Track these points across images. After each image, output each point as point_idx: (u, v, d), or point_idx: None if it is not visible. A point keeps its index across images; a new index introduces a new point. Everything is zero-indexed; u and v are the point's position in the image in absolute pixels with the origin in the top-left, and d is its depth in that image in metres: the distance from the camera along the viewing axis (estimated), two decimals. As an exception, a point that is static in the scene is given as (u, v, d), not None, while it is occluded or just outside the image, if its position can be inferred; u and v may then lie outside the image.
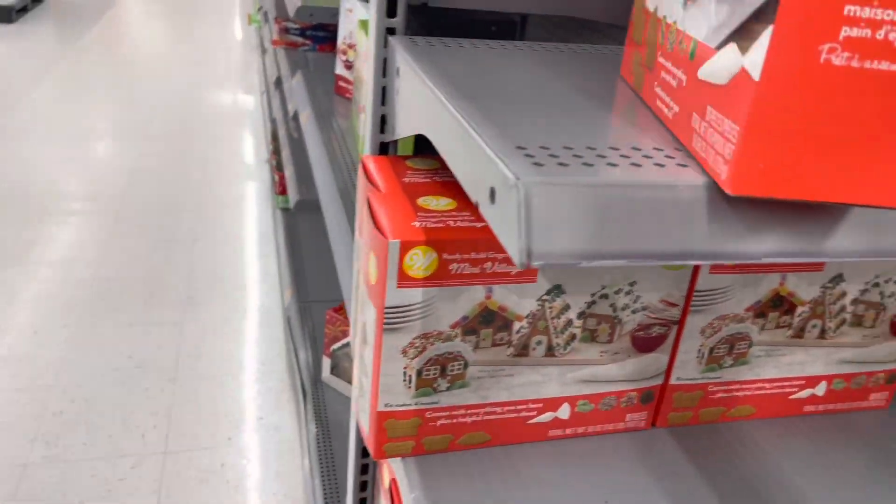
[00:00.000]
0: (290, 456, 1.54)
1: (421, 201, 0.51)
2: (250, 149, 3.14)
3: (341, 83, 1.39)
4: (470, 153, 0.36)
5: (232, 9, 5.77)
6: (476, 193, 0.35)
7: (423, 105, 0.47)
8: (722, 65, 0.31)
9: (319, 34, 2.12)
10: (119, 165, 2.85)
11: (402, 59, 0.53)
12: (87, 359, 1.77)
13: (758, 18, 0.28)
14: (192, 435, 1.56)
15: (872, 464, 0.60)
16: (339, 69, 1.38)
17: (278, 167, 2.37)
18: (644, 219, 0.31)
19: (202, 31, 4.99)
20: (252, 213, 2.57)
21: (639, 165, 0.33)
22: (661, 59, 0.38)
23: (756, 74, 0.28)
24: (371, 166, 0.57)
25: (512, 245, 0.30)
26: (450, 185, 0.55)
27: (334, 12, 1.61)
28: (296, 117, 1.76)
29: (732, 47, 0.30)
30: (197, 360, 1.81)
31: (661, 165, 0.33)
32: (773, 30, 0.27)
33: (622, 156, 0.34)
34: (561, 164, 0.32)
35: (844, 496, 0.56)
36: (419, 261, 0.47)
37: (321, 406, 1.45)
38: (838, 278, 0.58)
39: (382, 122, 0.60)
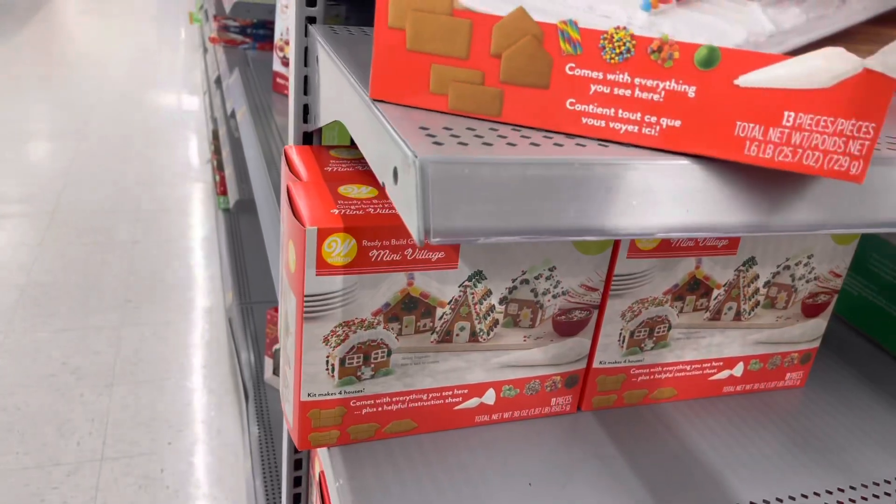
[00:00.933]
0: (233, 459, 1.52)
1: (342, 189, 0.51)
2: (193, 149, 3.09)
3: (279, 80, 1.38)
4: (376, 136, 0.36)
5: (175, 7, 5.65)
6: (382, 175, 0.35)
7: (339, 92, 0.47)
8: (822, 67, 0.32)
9: (259, 32, 2.10)
10: (54, 167, 2.76)
11: (321, 47, 0.52)
12: (19, 366, 1.71)
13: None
14: (131, 441, 1.52)
15: (788, 441, 0.62)
16: (277, 66, 1.36)
17: (219, 167, 2.33)
18: (541, 195, 0.32)
19: (143, 30, 4.87)
20: (195, 214, 2.52)
21: (537, 145, 0.33)
22: (578, 72, 0.35)
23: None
24: (294, 156, 0.57)
25: (412, 223, 0.31)
26: (372, 174, 0.55)
27: (271, 9, 1.59)
28: (234, 115, 1.73)
29: (835, 51, 0.32)
30: (135, 364, 1.76)
31: (560, 145, 0.34)
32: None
33: (523, 136, 0.34)
34: (461, 143, 0.32)
35: (762, 473, 0.58)
36: (338, 248, 0.47)
37: (263, 407, 1.43)
38: (751, 261, 0.60)
39: (305, 112, 0.60)
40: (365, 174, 0.55)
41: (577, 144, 0.34)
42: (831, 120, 0.34)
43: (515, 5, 0.33)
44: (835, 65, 0.33)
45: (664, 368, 0.63)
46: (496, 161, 0.31)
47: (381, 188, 0.52)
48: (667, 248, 0.56)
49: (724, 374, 0.65)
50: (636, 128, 0.35)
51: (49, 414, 1.57)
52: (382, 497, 0.51)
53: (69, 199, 2.53)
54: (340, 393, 0.53)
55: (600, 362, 0.60)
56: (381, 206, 0.50)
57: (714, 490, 0.56)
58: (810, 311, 0.64)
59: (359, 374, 0.52)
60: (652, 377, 0.63)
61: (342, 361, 0.52)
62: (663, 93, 0.34)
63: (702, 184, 0.34)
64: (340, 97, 0.47)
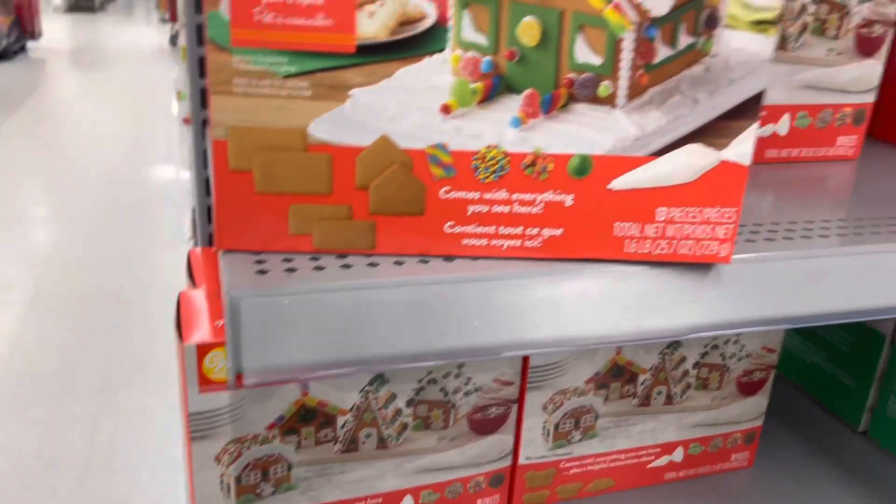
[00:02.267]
0: (205, 551, 1.46)
1: (235, 297, 0.50)
2: (182, 227, 3.09)
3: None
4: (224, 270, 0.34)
5: (165, 85, 5.77)
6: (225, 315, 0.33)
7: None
8: (686, 164, 0.32)
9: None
10: (37, 252, 2.77)
11: (212, 152, 0.52)
12: (-12, 463, 1.67)
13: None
14: (99, 537, 1.47)
15: (737, 528, 0.59)
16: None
17: (198, 245, 2.32)
18: (372, 321, 0.30)
19: (134, 109, 4.96)
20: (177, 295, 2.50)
21: (375, 265, 0.32)
22: (453, 195, 0.33)
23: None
24: (195, 260, 0.55)
25: (227, 363, 0.29)
26: (270, 277, 0.53)
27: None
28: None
29: (695, 147, 0.32)
30: (111, 455, 1.72)
31: (400, 263, 0.32)
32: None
33: (371, 264, 0.33)
34: (289, 269, 0.31)
35: (700, 569, 0.55)
36: (220, 362, 0.45)
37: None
38: (675, 344, 0.57)
39: (208, 213, 0.58)
40: (263, 277, 0.53)
41: (420, 262, 0.32)
42: (699, 210, 0.33)
43: (377, 134, 0.31)
44: (696, 160, 0.32)
45: (597, 459, 0.59)
46: (321, 288, 0.29)
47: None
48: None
49: (664, 460, 0.62)
50: (519, 242, 0.33)
51: (17, 513, 1.52)
52: None
53: (51, 285, 2.52)
54: (240, 512, 0.50)
55: (526, 458, 0.57)
56: (271, 313, 0.48)
57: None
58: (747, 389, 0.62)
59: (258, 491, 0.50)
60: (585, 469, 0.59)
61: (238, 479, 0.49)
62: (542, 204, 0.33)
63: (548, 296, 0.33)
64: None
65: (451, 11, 0.30)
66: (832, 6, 0.51)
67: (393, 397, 0.51)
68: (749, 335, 0.59)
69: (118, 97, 5.30)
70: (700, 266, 0.34)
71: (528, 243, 0.33)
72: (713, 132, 0.32)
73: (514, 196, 0.32)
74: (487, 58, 0.31)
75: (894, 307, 0.39)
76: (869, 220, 0.42)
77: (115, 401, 1.92)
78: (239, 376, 0.28)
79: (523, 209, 0.33)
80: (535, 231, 0.33)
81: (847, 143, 0.56)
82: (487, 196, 0.32)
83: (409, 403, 0.51)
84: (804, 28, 0.51)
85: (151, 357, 2.12)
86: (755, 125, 0.32)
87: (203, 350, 0.45)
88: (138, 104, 5.17)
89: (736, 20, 0.31)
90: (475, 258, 0.33)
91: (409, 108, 0.31)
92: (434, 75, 0.31)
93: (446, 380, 0.52)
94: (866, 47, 0.53)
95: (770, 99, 0.52)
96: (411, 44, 0.30)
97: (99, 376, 2.01)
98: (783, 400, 0.77)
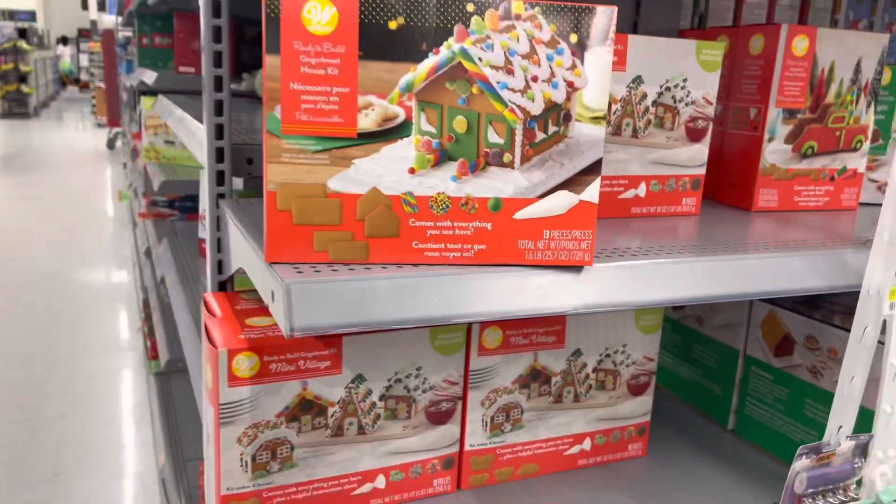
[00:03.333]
0: None
1: (248, 321, 0.66)
2: (123, 321, 3.15)
3: (204, 245, 1.54)
4: (262, 274, 0.52)
5: (103, 187, 5.85)
6: (266, 297, 0.51)
7: (240, 248, 0.63)
8: (560, 203, 0.52)
9: (187, 204, 2.29)
10: (-20, 349, 2.78)
11: (229, 217, 0.69)
12: (-58, 550, 1.67)
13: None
14: None
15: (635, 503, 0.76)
16: (202, 233, 1.53)
17: (150, 333, 2.42)
18: (369, 299, 0.48)
19: (72, 210, 5.02)
20: (126, 383, 2.56)
21: (369, 268, 0.50)
22: (417, 224, 0.51)
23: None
24: (211, 301, 0.72)
25: (282, 324, 0.46)
26: (273, 309, 0.70)
27: (196, 183, 1.78)
28: (163, 281, 1.87)
29: (565, 192, 0.52)
30: (65, 535, 1.75)
31: (385, 267, 0.51)
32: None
33: (381, 267, 0.51)
34: (316, 271, 0.49)
35: (605, 522, 0.72)
36: (244, 363, 0.62)
37: (197, 559, 1.46)
38: (578, 352, 0.77)
39: (220, 266, 0.75)
40: (267, 309, 0.70)
41: (412, 266, 0.51)
42: (569, 231, 0.53)
43: (369, 187, 0.51)
44: (565, 201, 0.52)
45: (524, 447, 0.77)
46: (336, 280, 0.48)
47: (279, 318, 0.68)
48: (507, 346, 0.73)
49: (576, 448, 0.80)
50: (459, 253, 0.52)
51: None
52: (292, 569, 0.61)
53: (-4, 379, 2.53)
54: (254, 485, 0.65)
55: (470, 445, 0.74)
56: (278, 330, 0.65)
57: (567, 539, 0.69)
58: (635, 390, 0.81)
59: (268, 468, 0.65)
60: (515, 455, 0.77)
61: (253, 458, 0.64)
62: (473, 229, 0.52)
63: (477, 284, 0.51)
64: (243, 253, 0.63)
65: (413, 113, 0.50)
66: (666, 108, 0.74)
67: (369, 392, 0.68)
68: (632, 347, 0.79)
69: (52, 200, 5.35)
70: (573, 267, 0.54)
71: (465, 254, 0.52)
72: (574, 183, 0.53)
73: (455, 224, 0.52)
74: (436, 140, 0.51)
75: (707, 297, 0.59)
76: (695, 246, 0.63)
77: (67, 487, 1.95)
78: (292, 332, 0.45)
79: (461, 232, 0.52)
80: (469, 246, 0.52)
81: (690, 202, 0.78)
82: (439, 224, 0.52)
83: (381, 398, 0.68)
84: (649, 123, 0.74)
85: (103, 445, 2.17)
86: (598, 178, 0.53)
87: (232, 354, 0.61)
88: (73, 206, 5.23)
89: (581, 116, 0.52)
90: (432, 264, 0.52)
91: (389, 170, 0.50)
92: (404, 151, 0.50)
93: (408, 379, 0.69)
94: (694, 135, 0.77)
95: (630, 171, 0.74)
96: (390, 132, 0.50)
97: (50, 464, 2.05)
98: (669, 408, 0.96)
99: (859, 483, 0.67)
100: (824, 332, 0.79)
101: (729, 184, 0.85)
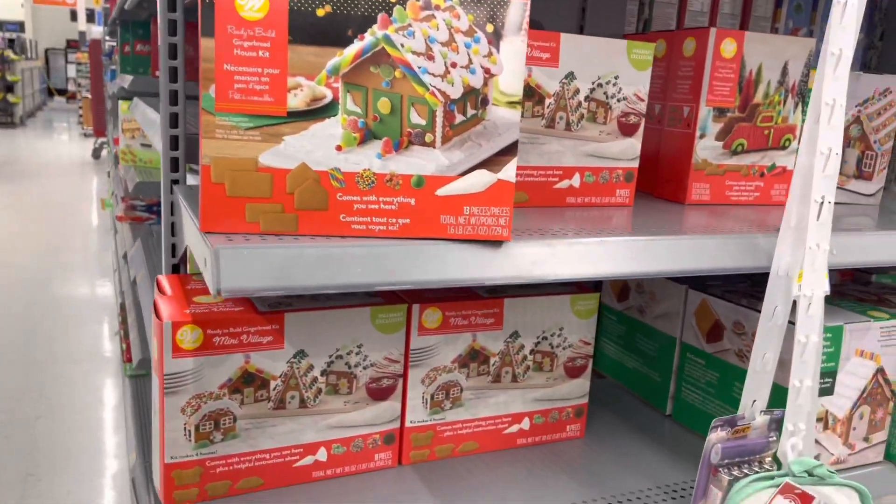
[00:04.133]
0: None
1: (196, 299, 0.70)
2: (103, 328, 3.16)
3: (175, 245, 1.57)
4: (199, 245, 0.56)
5: (87, 195, 5.86)
6: (201, 265, 0.54)
7: (187, 227, 0.67)
8: (478, 181, 0.56)
9: (164, 209, 2.31)
10: (-44, 352, 2.78)
11: (181, 201, 0.73)
12: None
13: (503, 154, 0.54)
14: None
15: (572, 482, 0.80)
16: (173, 233, 1.56)
17: (125, 336, 2.43)
18: (292, 266, 0.52)
19: (54, 220, 5.02)
20: (103, 388, 2.57)
21: (298, 239, 0.54)
22: (345, 198, 0.55)
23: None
24: (163, 281, 0.75)
25: (210, 285, 0.50)
26: (221, 288, 0.74)
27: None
28: (135, 282, 1.89)
29: (483, 171, 0.56)
30: (34, 533, 1.76)
31: (313, 238, 0.54)
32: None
33: (309, 238, 0.55)
34: (246, 240, 0.52)
35: None
36: (188, 335, 0.65)
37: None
38: (515, 334, 0.80)
39: (173, 249, 0.79)
40: (216, 288, 0.73)
41: (340, 238, 0.55)
42: (488, 208, 0.56)
43: (299, 161, 0.54)
44: (483, 179, 0.56)
45: (464, 425, 0.80)
46: (264, 247, 0.51)
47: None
48: (447, 326, 0.76)
49: (515, 427, 0.83)
50: (384, 227, 0.56)
51: (-61, 590, 1.55)
52: (231, 533, 0.64)
53: (-29, 382, 2.54)
54: (197, 454, 0.68)
55: (410, 422, 0.77)
56: (223, 306, 0.68)
57: (499, 510, 0.72)
58: (572, 372, 0.85)
59: (211, 437, 0.68)
60: (455, 433, 0.80)
61: (197, 427, 0.67)
62: (397, 204, 0.56)
63: (401, 253, 0.55)
64: (189, 232, 0.66)
65: (340, 94, 0.54)
66: (599, 103, 0.79)
67: (311, 368, 0.71)
68: (569, 330, 0.83)
69: (37, 209, 5.36)
70: (492, 242, 0.58)
71: (390, 227, 0.56)
72: (492, 163, 0.57)
73: (381, 198, 0.56)
74: (362, 119, 0.55)
75: (615, 273, 0.63)
76: (615, 230, 0.67)
77: (38, 488, 1.96)
78: (219, 292, 0.49)
79: (386, 207, 0.56)
80: (394, 220, 0.56)
81: (623, 193, 0.82)
82: (365, 199, 0.56)
83: (323, 373, 0.72)
84: (582, 117, 0.78)
85: (75, 445, 2.18)
86: (514, 159, 0.57)
87: (176, 326, 0.64)
88: (57, 215, 5.24)
89: (498, 101, 0.56)
90: (359, 237, 0.56)
91: (318, 147, 0.54)
92: (332, 129, 0.54)
93: (349, 356, 0.72)
94: (627, 130, 0.81)
95: (564, 163, 0.79)
96: (318, 111, 0.54)
97: (23, 466, 2.05)
98: (611, 394, 1.00)
99: (775, 457, 0.71)
100: (750, 318, 0.84)
101: (665, 179, 0.90)
